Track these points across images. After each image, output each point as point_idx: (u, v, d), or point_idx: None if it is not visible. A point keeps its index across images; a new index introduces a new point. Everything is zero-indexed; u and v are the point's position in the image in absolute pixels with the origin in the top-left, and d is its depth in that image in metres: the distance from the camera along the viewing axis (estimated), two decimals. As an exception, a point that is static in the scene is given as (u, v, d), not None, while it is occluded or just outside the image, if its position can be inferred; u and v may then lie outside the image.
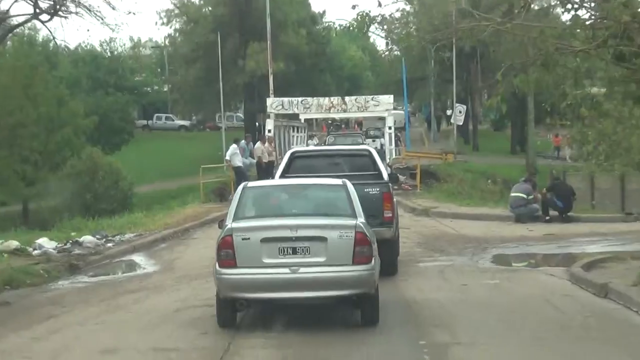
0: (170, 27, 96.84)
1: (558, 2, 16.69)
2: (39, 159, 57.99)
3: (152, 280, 22.20)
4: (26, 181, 57.50)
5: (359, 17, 16.65)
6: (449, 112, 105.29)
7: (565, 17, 17.14)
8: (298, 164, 21.99)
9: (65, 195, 43.91)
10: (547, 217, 32.41)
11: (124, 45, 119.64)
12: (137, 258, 26.98)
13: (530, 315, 16.02)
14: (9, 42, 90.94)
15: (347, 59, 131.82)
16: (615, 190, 39.45)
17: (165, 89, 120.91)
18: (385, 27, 16.77)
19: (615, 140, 43.15)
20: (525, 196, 32.91)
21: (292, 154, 23.05)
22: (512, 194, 33.69)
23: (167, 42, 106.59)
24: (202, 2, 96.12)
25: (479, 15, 17.05)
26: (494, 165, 73.75)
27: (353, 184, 16.24)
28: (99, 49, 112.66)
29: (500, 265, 23.70)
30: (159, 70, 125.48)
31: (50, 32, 27.43)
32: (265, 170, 41.47)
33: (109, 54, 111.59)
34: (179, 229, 32.66)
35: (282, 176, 21.22)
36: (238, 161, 42.63)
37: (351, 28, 17.18)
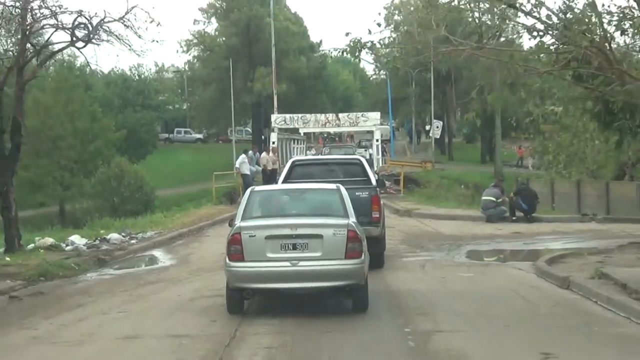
0: (189, 54, 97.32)
1: (525, 30, 16.06)
2: (74, 166, 58.07)
3: (170, 272, 21.58)
4: (63, 186, 57.50)
5: (351, 43, 16.21)
6: (427, 127, 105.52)
7: (531, 42, 16.58)
8: (298, 171, 21.81)
9: (96, 198, 43.31)
10: (514, 218, 31.91)
11: (150, 69, 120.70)
12: (157, 253, 26.36)
13: (503, 304, 15.45)
14: (51, 67, 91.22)
15: (340, 82, 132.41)
16: (572, 194, 38.98)
17: (184, 107, 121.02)
18: (373, 52, 16.02)
19: (572, 151, 43.08)
20: (494, 199, 32.40)
21: (292, 162, 22.85)
22: (483, 198, 33.16)
23: (186, 67, 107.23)
24: (217, 33, 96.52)
25: (456, 41, 16.35)
26: (467, 172, 73.93)
27: (345, 188, 16.09)
28: (128, 72, 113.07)
29: (474, 260, 23.07)
30: (179, 91, 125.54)
31: (86, 57, 27.22)
32: (269, 176, 40.94)
33: (137, 77, 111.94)
34: (194, 228, 32.09)
35: (284, 181, 21.11)
36: (246, 169, 42.16)
37: (345, 53, 16.54)
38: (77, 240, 26.78)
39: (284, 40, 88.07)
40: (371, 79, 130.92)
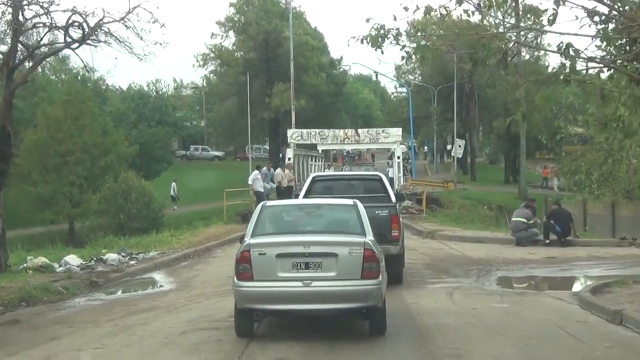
0: (206, 69, 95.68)
1: (585, 15, 13.41)
2: (84, 182, 56.07)
3: (167, 299, 19.27)
4: (72, 202, 55.59)
5: (373, 31, 13.76)
6: (448, 147, 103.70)
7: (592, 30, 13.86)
8: (318, 187, 22.11)
9: (102, 215, 41.14)
10: (547, 241, 29.42)
11: (169, 85, 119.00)
12: (157, 276, 24.20)
13: (549, 345, 13.07)
14: (60, 76, 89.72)
15: (360, 100, 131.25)
16: (606, 216, 36.59)
17: (202, 124, 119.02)
18: (399, 42, 13.44)
19: (606, 170, 40.68)
20: (525, 221, 29.93)
21: (313, 178, 23.12)
22: (514, 219, 30.69)
23: (204, 83, 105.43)
24: (234, 47, 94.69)
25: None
26: (490, 193, 72.35)
27: (365, 206, 15.16)
28: (146, 88, 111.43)
29: (507, 288, 20.76)
30: (197, 107, 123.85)
31: (82, 60, 25.48)
32: (284, 193, 38.77)
33: (154, 92, 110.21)
34: (201, 248, 29.90)
35: (305, 196, 21.10)
36: (259, 186, 40.00)
37: (365, 42, 14.06)
38: (72, 260, 24.53)
39: (303, 54, 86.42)
40: (392, 96, 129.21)
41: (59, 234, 52.28)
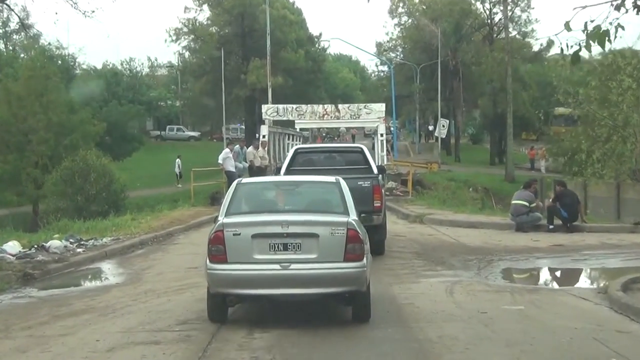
0: (179, 44, 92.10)
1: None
2: (48, 162, 52.63)
3: (108, 296, 15.83)
4: (36, 183, 52.26)
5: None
6: (430, 128, 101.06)
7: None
8: (300, 159, 22.28)
9: (59, 197, 37.59)
10: (551, 226, 26.05)
11: (142, 64, 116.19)
12: (105, 266, 20.78)
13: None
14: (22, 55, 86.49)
15: (340, 79, 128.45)
16: (610, 199, 33.32)
17: (177, 104, 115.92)
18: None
19: (609, 149, 37.49)
20: (527, 204, 26.50)
21: (295, 150, 23.32)
22: (514, 202, 27.18)
23: (179, 61, 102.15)
24: (209, 21, 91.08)
25: None
26: (475, 174, 70.03)
27: (347, 177, 15.19)
28: (120, 67, 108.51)
29: (515, 283, 17.56)
30: (173, 87, 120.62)
31: (19, 17, 22.85)
32: (256, 174, 35.29)
33: (128, 72, 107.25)
34: (162, 233, 26.54)
35: (287, 169, 21.45)
36: (230, 165, 36.53)
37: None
38: (10, 248, 21.09)
39: (280, 29, 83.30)
40: (372, 75, 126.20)
41: (23, 217, 49.04)
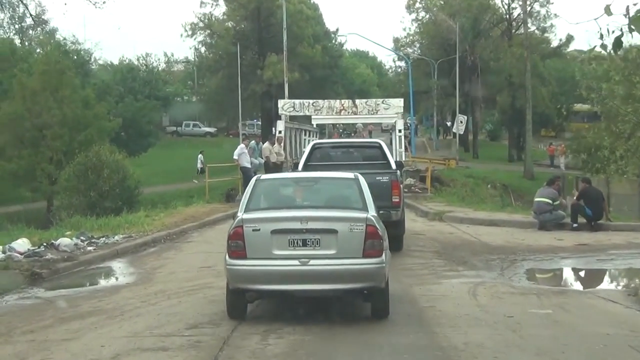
0: (194, 39, 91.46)
1: None
2: (62, 158, 52.17)
3: (116, 297, 15.21)
4: (50, 179, 51.84)
5: None
6: (448, 124, 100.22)
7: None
8: (318, 154, 22.33)
9: (72, 193, 36.94)
10: (575, 225, 25.29)
11: (159, 60, 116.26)
12: (116, 265, 20.14)
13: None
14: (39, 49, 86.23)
15: (357, 75, 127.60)
16: (634, 197, 32.50)
17: (194, 100, 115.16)
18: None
19: (633, 145, 36.63)
20: (550, 201, 25.72)
21: (313, 145, 23.37)
22: (537, 199, 26.35)
23: (195, 56, 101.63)
24: (225, 17, 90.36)
25: None
26: (493, 171, 69.11)
27: (365, 172, 15.42)
28: (136, 62, 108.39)
29: (541, 285, 16.86)
30: (189, 82, 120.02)
31: (26, 6, 22.35)
32: (272, 170, 34.57)
33: (144, 67, 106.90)
34: (175, 231, 25.92)
35: (305, 164, 21.60)
36: (245, 161, 35.94)
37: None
38: (19, 246, 20.45)
39: (297, 24, 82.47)
40: (389, 71, 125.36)
41: (37, 213, 48.62)
